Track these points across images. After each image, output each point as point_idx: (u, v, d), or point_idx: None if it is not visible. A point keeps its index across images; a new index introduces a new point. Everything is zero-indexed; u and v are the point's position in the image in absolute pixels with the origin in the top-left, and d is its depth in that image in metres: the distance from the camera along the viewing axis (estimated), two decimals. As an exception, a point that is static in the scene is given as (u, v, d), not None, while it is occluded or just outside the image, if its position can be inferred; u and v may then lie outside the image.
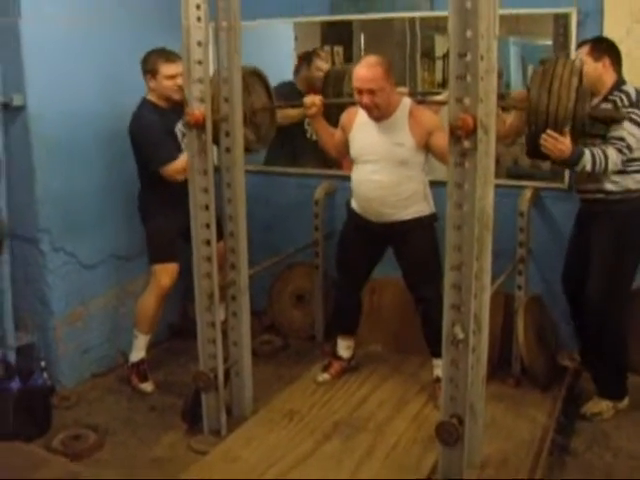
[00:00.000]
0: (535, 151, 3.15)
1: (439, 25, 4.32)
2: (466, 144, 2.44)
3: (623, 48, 3.34)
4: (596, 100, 3.30)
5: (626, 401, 3.56)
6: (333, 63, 4.66)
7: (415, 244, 3.50)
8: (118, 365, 4.14)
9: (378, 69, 3.24)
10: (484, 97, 2.42)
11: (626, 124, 3.17)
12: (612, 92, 3.28)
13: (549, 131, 3.01)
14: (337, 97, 4.20)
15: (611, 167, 3.16)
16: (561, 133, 3.00)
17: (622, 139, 3.17)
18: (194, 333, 3.29)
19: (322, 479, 2.92)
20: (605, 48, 3.31)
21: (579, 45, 3.46)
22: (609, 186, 3.32)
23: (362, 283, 3.80)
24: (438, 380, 3.41)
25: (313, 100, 3.56)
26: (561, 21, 3.79)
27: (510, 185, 3.88)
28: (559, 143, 3.03)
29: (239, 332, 3.38)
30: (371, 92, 3.25)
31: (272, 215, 4.56)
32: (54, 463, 3.00)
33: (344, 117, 3.59)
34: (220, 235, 3.34)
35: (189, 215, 3.18)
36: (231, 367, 3.41)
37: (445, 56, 4.24)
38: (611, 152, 3.15)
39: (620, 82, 3.30)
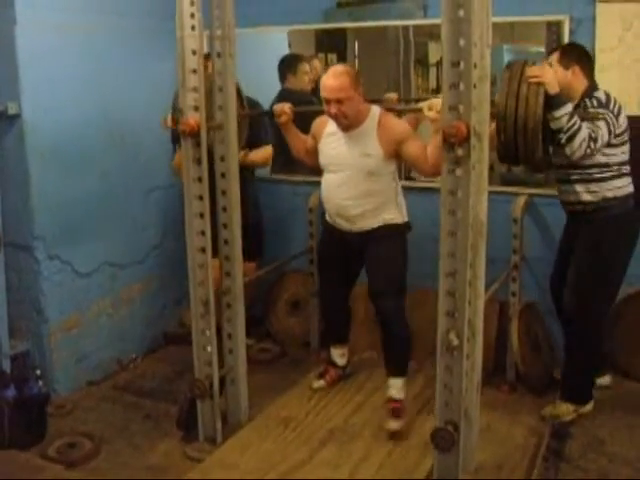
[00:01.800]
0: (507, 157, 3.01)
1: (433, 32, 4.34)
2: (459, 152, 2.45)
3: (615, 56, 3.36)
4: None
5: (590, 406, 3.55)
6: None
7: (382, 250, 3.41)
8: (113, 373, 4.15)
9: (345, 78, 3.19)
10: (477, 105, 2.44)
11: (600, 123, 3.13)
12: (584, 99, 3.25)
13: (533, 67, 2.87)
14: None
15: (578, 140, 3.05)
16: (532, 138, 2.80)
17: (594, 130, 3.10)
18: (189, 341, 3.30)
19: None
20: (574, 56, 3.27)
21: (550, 51, 3.43)
22: (587, 197, 3.30)
23: (346, 292, 3.73)
24: (390, 400, 3.39)
25: (282, 108, 3.48)
26: (554, 28, 3.81)
27: (504, 192, 3.89)
28: (546, 72, 2.92)
29: (234, 340, 3.39)
30: (339, 102, 3.20)
31: (267, 223, 4.56)
32: (49, 471, 3.02)
33: (315, 125, 3.53)
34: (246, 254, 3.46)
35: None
36: (226, 374, 3.41)
37: (439, 63, 4.26)
38: (584, 128, 3.07)
39: (592, 88, 3.27)
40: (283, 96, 4.38)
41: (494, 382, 3.79)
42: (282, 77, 4.58)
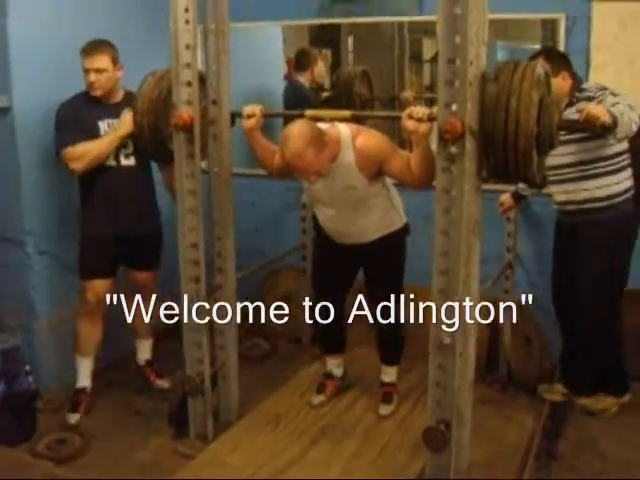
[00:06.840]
0: (496, 176, 2.61)
1: (427, 28, 4.33)
2: (453, 149, 2.44)
3: (610, 55, 3.35)
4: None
5: (628, 396, 3.61)
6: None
7: (385, 258, 3.36)
8: (104, 369, 4.12)
9: (309, 152, 2.86)
10: (472, 102, 2.43)
11: (609, 98, 3.04)
12: (574, 96, 3.23)
13: (585, 107, 2.71)
14: (347, 99, 4.22)
15: (635, 116, 2.91)
16: (524, 158, 2.42)
17: (618, 103, 2.95)
18: (180, 337, 3.28)
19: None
20: (559, 61, 3.22)
21: (531, 58, 3.03)
22: (597, 192, 3.27)
23: (342, 300, 3.55)
24: (383, 385, 3.56)
25: (253, 109, 3.05)
26: (549, 26, 3.80)
27: (498, 190, 3.87)
28: (597, 109, 2.69)
29: (226, 336, 3.37)
30: (313, 171, 2.95)
31: (259, 218, 4.55)
32: (39, 468, 3.00)
33: None
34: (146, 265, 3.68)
35: (129, 223, 3.48)
36: (217, 371, 3.39)
37: (433, 59, 4.25)
38: (622, 105, 2.91)
39: (578, 83, 3.27)
40: (296, 88, 4.47)
41: (486, 380, 3.79)
42: (299, 68, 4.57)
